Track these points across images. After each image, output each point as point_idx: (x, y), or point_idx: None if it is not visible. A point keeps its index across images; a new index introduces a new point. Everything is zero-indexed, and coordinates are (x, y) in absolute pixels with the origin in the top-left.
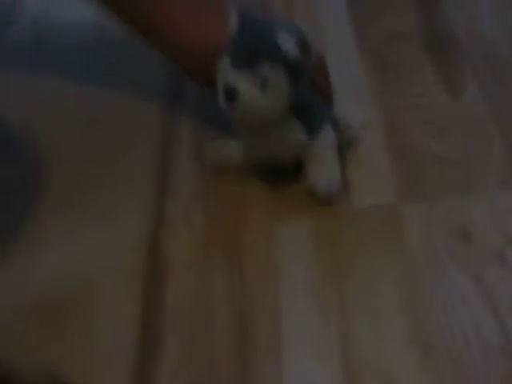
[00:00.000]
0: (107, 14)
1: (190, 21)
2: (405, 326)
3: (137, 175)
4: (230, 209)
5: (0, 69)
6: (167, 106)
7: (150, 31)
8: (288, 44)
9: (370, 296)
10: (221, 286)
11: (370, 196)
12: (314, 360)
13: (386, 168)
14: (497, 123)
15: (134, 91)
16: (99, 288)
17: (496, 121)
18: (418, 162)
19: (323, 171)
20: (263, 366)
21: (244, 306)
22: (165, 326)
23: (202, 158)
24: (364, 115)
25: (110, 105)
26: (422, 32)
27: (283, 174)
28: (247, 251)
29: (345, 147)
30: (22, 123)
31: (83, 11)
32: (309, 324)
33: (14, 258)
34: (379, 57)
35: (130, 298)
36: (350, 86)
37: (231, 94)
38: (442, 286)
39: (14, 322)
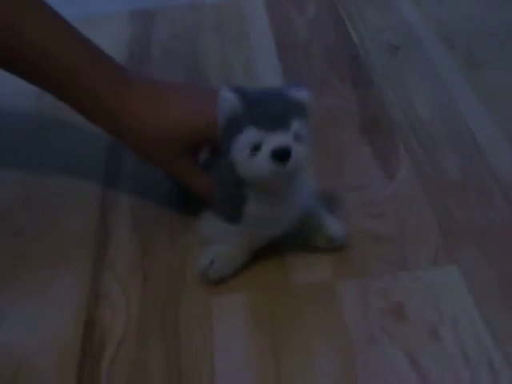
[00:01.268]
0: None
1: (145, 107)
2: None
3: (74, 246)
4: (168, 283)
5: None
6: (106, 175)
7: (99, 113)
8: (301, 93)
9: (306, 373)
10: (156, 367)
11: (306, 272)
12: None
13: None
14: (429, 199)
15: (72, 159)
16: (33, 368)
17: (428, 197)
18: (355, 239)
19: (333, 220)
20: None
21: None
22: None
23: (137, 230)
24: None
25: (48, 173)
26: (358, 112)
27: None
28: (184, 328)
29: None
30: None
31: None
32: None
33: None
34: (320, 137)
35: (63, 377)
36: None
37: (284, 154)
38: (377, 363)
39: None
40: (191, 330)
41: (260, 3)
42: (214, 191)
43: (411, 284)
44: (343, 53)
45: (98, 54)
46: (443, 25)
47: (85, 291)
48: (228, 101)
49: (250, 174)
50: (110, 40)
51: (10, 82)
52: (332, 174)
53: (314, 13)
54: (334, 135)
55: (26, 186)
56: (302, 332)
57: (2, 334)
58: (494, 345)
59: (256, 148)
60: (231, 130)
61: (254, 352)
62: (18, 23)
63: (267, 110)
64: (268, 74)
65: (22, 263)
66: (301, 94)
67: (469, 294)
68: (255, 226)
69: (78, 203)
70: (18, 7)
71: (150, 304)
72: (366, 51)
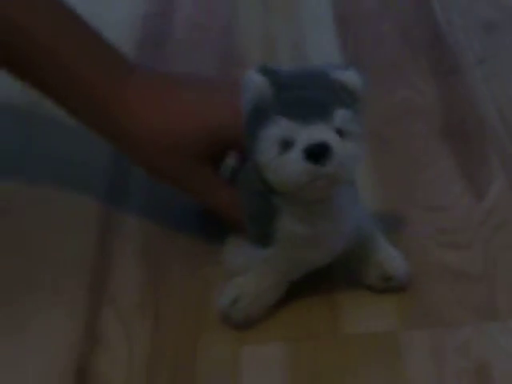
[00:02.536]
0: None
1: (153, 108)
2: None
3: (64, 275)
4: (183, 324)
5: None
6: (109, 188)
7: (100, 117)
8: (354, 78)
9: None
10: None
11: (361, 318)
12: None
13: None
14: None
15: (68, 166)
16: None
17: None
18: (429, 278)
19: (392, 252)
20: None
21: None
22: None
23: (147, 257)
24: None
25: (36, 182)
26: (440, 110)
27: None
28: None
29: None
30: None
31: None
32: None
33: None
34: (382, 141)
35: None
36: None
37: (322, 152)
38: None
39: None
40: None
41: None
42: (240, 211)
43: (501, 338)
44: (423, 31)
45: (95, 43)
46: None
47: (77, 333)
48: (254, 84)
49: (280, 179)
50: (120, 15)
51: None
52: (400, 190)
53: None
54: (405, 139)
55: (6, 195)
56: None
57: None
58: None
59: (287, 145)
60: (256, 123)
61: None
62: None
63: (302, 96)
64: (322, 57)
65: (4, 292)
66: (349, 77)
67: None
68: (290, 250)
69: (72, 221)
70: None
71: (160, 353)
72: (452, 29)
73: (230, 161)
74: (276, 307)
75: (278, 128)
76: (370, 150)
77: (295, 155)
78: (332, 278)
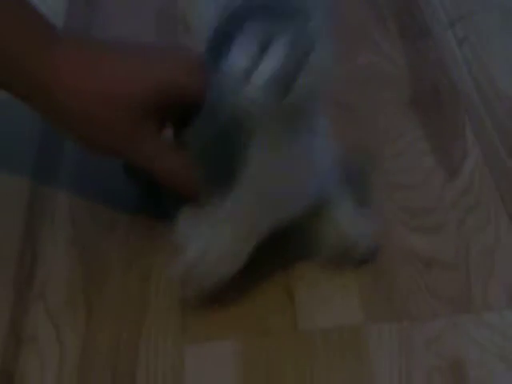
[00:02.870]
0: None
1: (79, 76)
2: None
3: None
4: (122, 323)
5: None
6: (37, 167)
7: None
8: None
9: None
10: None
11: (322, 311)
12: None
13: (348, 274)
14: (508, 208)
15: None
16: None
17: (507, 204)
18: (397, 265)
19: (360, 215)
20: None
21: None
22: None
23: (79, 246)
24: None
25: None
26: (408, 77)
27: None
28: None
29: None
30: None
31: None
32: None
33: None
34: (344, 110)
35: None
36: None
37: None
38: None
39: None
40: None
41: None
42: (193, 173)
43: (476, 332)
44: None
45: (21, 11)
46: None
47: (1, 330)
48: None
49: (262, 81)
50: None
51: None
52: (365, 164)
53: None
54: (371, 108)
55: None
56: None
57: None
58: None
59: (265, 45)
60: (230, 32)
61: None
62: None
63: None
64: None
65: None
66: None
67: None
68: (260, 186)
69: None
70: None
71: (95, 353)
72: None
73: (167, 132)
74: (227, 299)
75: (254, 30)
76: (331, 120)
77: (279, 50)
78: (289, 267)
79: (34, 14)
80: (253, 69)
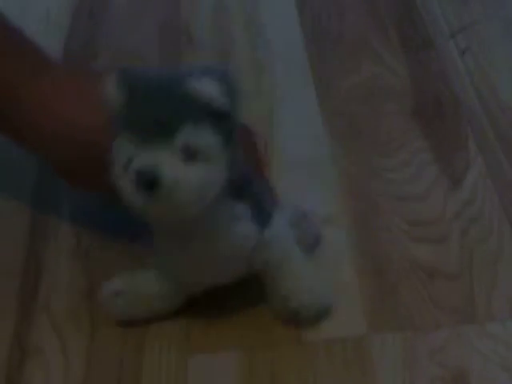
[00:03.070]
0: None
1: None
2: None
3: None
4: (126, 334)
5: None
6: (39, 179)
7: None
8: (209, 87)
9: None
10: None
11: (326, 322)
12: None
13: (351, 282)
14: (510, 218)
15: None
16: None
17: (509, 214)
18: (400, 276)
19: (306, 285)
20: None
21: None
22: None
23: (85, 257)
24: (325, 206)
25: None
26: (411, 88)
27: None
28: None
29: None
30: None
31: None
32: None
33: None
34: (347, 123)
35: None
36: (310, 161)
37: (150, 181)
38: None
39: None
40: None
41: None
42: None
43: (479, 343)
44: (391, 1)
45: (13, 40)
46: None
47: (5, 342)
48: (106, 95)
49: (126, 200)
50: None
51: None
52: (368, 177)
53: None
54: (373, 120)
55: None
56: None
57: None
58: None
59: (129, 162)
60: (115, 131)
61: None
62: None
63: (148, 112)
64: (279, 31)
65: None
66: (203, 86)
67: None
68: (168, 267)
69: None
70: None
71: (100, 364)
72: None
73: None
74: (230, 311)
75: (121, 145)
76: (335, 133)
77: (129, 177)
78: None
79: (24, 42)
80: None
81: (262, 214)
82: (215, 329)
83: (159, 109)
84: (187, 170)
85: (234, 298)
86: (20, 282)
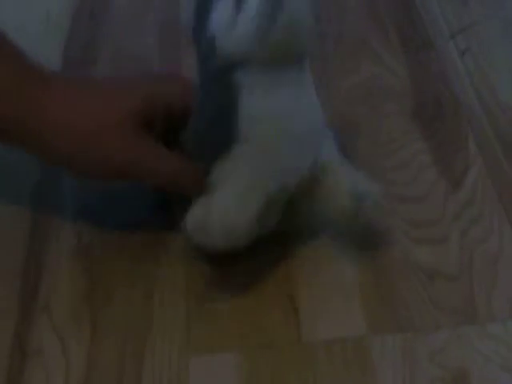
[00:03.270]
0: None
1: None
2: None
3: None
4: (127, 335)
5: None
6: (41, 178)
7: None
8: None
9: None
10: None
11: (325, 322)
12: None
13: (351, 282)
14: (511, 219)
15: None
16: None
17: (510, 215)
18: (400, 277)
19: (361, 176)
20: None
21: None
22: None
23: (86, 256)
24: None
25: None
26: (411, 89)
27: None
28: None
29: None
30: None
31: None
32: None
33: None
34: (346, 123)
35: None
36: None
37: None
38: None
39: None
40: None
41: None
42: (196, 170)
43: (480, 343)
44: (391, 1)
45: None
46: None
47: (5, 344)
48: None
49: (238, 41)
50: None
51: None
52: (368, 177)
53: None
54: (373, 121)
55: None
56: None
57: None
58: None
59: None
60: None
61: None
62: None
63: None
64: None
65: None
66: None
67: None
68: (258, 138)
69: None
70: None
71: (101, 365)
72: None
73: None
74: (230, 311)
75: None
76: (334, 134)
77: (248, 8)
78: (292, 278)
79: (21, 55)
80: (233, 21)
81: None
82: (216, 329)
83: None
84: None
85: (235, 298)
86: (20, 282)
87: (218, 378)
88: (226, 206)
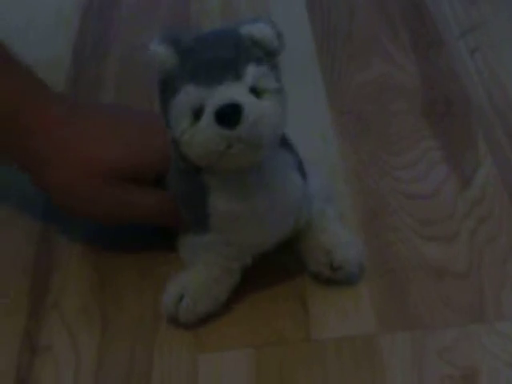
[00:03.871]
0: None
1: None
2: None
3: (5, 277)
4: (136, 332)
5: None
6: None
7: None
8: (265, 30)
9: None
10: None
11: (335, 321)
12: None
13: (360, 280)
14: None
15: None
16: None
17: None
18: (409, 274)
19: (344, 238)
20: None
21: None
22: None
23: (96, 254)
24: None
25: None
26: (421, 87)
27: None
28: None
29: None
30: None
31: None
32: None
33: None
34: (356, 121)
35: None
36: (319, 161)
37: (232, 113)
38: None
39: None
40: None
41: None
42: (175, 209)
43: (489, 341)
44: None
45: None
46: None
47: (16, 339)
48: (156, 57)
49: (195, 151)
50: None
51: None
52: (378, 176)
53: None
54: (383, 119)
55: None
56: None
57: None
58: None
59: (199, 112)
60: (167, 96)
61: None
62: None
63: (208, 58)
64: (289, 30)
65: None
66: (259, 30)
67: None
68: (229, 233)
69: (8, 215)
70: None
71: (110, 361)
72: None
73: None
74: (238, 309)
75: (186, 96)
76: (344, 131)
77: (206, 120)
78: (301, 273)
79: (28, 74)
80: (188, 130)
81: (302, 167)
82: (225, 327)
83: (222, 52)
84: (263, 105)
85: (243, 296)
86: (31, 279)
87: (228, 376)
88: (196, 298)
